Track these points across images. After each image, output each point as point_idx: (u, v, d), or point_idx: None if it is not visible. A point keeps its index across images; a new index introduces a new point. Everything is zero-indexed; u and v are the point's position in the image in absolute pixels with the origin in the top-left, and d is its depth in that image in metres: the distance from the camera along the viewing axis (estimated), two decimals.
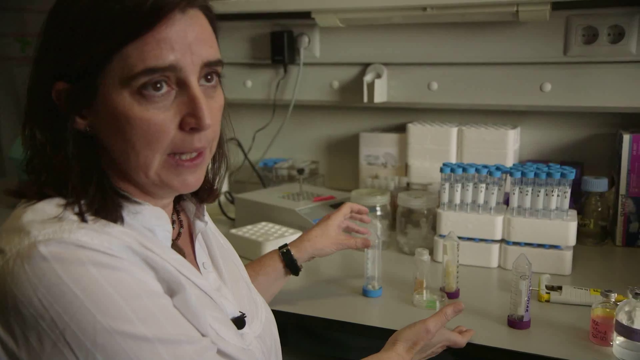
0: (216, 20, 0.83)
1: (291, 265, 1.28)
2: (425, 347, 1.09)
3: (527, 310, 1.20)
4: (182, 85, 0.77)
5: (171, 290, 0.77)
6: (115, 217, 0.78)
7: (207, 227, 0.99)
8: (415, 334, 1.08)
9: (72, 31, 0.75)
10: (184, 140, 0.78)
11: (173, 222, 0.92)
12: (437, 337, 1.10)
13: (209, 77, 0.81)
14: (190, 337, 0.75)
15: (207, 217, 0.99)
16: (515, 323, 1.21)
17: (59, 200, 0.76)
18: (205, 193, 0.96)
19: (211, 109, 0.80)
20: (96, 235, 0.72)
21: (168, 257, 0.80)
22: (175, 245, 0.88)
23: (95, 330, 0.68)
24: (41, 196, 0.77)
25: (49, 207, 0.75)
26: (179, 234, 0.93)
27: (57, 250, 0.69)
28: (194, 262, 0.93)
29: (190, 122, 0.77)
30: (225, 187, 2.10)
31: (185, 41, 0.76)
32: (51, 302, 0.68)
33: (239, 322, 0.89)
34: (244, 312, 0.91)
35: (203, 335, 0.79)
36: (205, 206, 0.96)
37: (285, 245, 1.30)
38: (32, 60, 0.80)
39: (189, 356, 0.73)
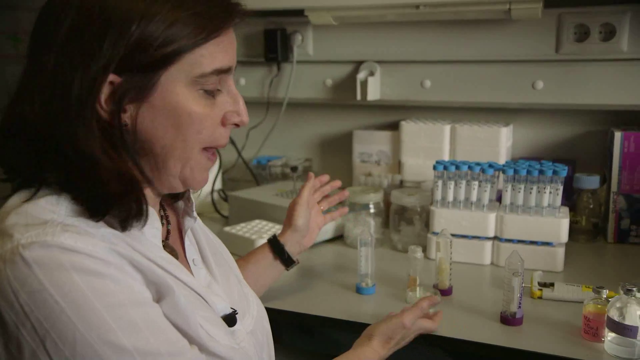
0: None
1: (279, 252, 1.29)
2: (400, 340, 1.12)
3: (519, 307, 1.20)
4: (224, 84, 0.83)
5: (160, 294, 0.76)
6: (102, 216, 0.76)
7: (197, 224, 0.99)
8: (391, 329, 1.11)
9: (146, 24, 0.74)
10: (222, 135, 0.84)
11: (161, 219, 0.92)
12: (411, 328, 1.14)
13: None
14: (173, 349, 0.74)
15: (196, 214, 0.98)
16: (508, 320, 1.21)
17: (46, 201, 0.75)
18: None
19: None
20: (80, 238, 0.71)
21: (156, 257, 0.79)
22: (167, 246, 0.88)
23: (75, 339, 0.67)
24: (40, 181, 0.77)
25: (35, 209, 0.74)
26: (168, 232, 0.92)
27: (39, 255, 0.68)
28: (184, 259, 0.92)
29: (234, 118, 0.84)
30: (218, 185, 2.10)
31: (235, 46, 0.83)
32: (32, 309, 0.67)
33: (230, 319, 0.88)
34: (235, 309, 0.91)
35: (193, 337, 0.78)
36: (194, 202, 0.96)
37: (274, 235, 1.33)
38: (63, 51, 0.75)
39: None
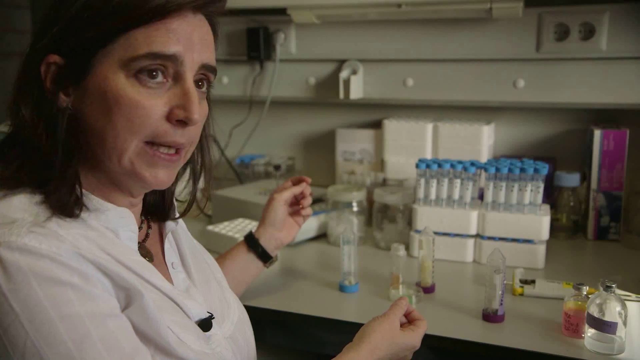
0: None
1: (254, 246, 1.27)
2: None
3: (501, 304, 1.21)
4: (177, 79, 0.79)
5: (128, 298, 0.75)
6: (74, 213, 0.76)
7: (179, 228, 0.98)
8: (394, 348, 1.00)
9: (83, 5, 0.75)
10: (167, 131, 0.79)
11: (142, 222, 0.91)
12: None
13: (200, 82, 0.84)
14: None
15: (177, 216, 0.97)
16: (490, 317, 1.22)
17: (19, 200, 0.75)
18: (170, 210, 0.96)
19: (200, 109, 0.81)
20: (45, 240, 0.69)
21: (127, 260, 0.78)
22: (142, 248, 0.87)
23: (25, 347, 0.67)
24: (15, 182, 0.76)
25: (6, 207, 0.74)
26: (147, 235, 0.91)
27: (1, 256, 0.67)
28: (163, 262, 0.91)
29: (179, 113, 0.78)
30: (201, 184, 2.09)
31: (191, 38, 0.79)
32: None
33: (205, 324, 0.87)
34: (212, 313, 0.90)
35: (161, 342, 0.77)
36: (176, 205, 0.95)
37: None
38: (32, 34, 0.79)
39: None
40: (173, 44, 0.77)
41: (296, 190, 1.33)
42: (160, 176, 0.81)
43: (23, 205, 0.74)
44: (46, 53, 0.76)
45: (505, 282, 1.22)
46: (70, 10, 0.75)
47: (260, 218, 1.32)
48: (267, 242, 1.29)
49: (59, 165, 0.76)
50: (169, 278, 0.89)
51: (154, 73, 0.77)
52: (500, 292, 1.21)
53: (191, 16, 0.79)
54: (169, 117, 0.78)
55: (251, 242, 1.28)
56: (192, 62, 0.79)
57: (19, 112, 0.77)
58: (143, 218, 0.92)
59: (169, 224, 0.94)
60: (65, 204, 0.75)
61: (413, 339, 1.03)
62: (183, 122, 0.79)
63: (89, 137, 0.78)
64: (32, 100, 0.77)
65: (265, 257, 1.28)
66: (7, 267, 0.67)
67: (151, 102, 0.77)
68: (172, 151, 0.81)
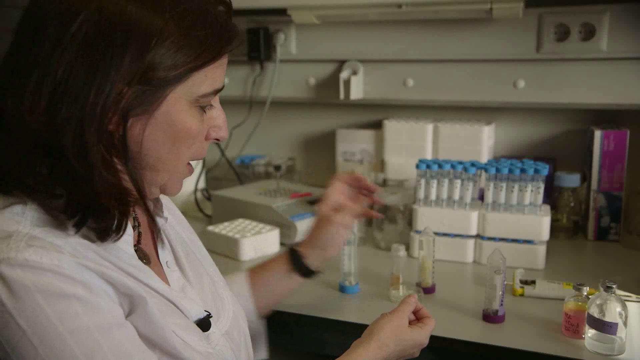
0: None
1: (298, 266, 1.19)
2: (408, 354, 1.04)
3: (501, 305, 1.21)
4: (214, 99, 0.85)
5: (132, 305, 0.76)
6: (81, 227, 0.74)
7: (168, 222, 0.98)
8: (401, 343, 1.01)
9: (162, 42, 0.74)
10: (204, 148, 0.86)
11: (133, 221, 0.90)
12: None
13: None
14: None
15: (166, 213, 0.97)
16: (490, 317, 1.22)
17: (10, 211, 0.73)
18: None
19: None
20: (45, 253, 0.69)
21: (127, 267, 0.78)
22: (139, 251, 0.87)
23: None
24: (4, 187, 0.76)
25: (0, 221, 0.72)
26: (139, 235, 0.91)
27: (3, 274, 0.67)
28: (157, 262, 0.91)
29: (217, 132, 0.86)
30: (202, 184, 2.09)
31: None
32: None
33: (204, 324, 0.88)
34: (209, 311, 0.90)
35: (167, 347, 0.77)
36: (162, 202, 0.95)
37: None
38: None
39: None
40: (223, 76, 0.84)
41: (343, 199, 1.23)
42: (181, 186, 0.89)
43: (15, 217, 0.73)
44: (111, 84, 0.72)
45: (505, 282, 1.22)
46: (151, 48, 0.73)
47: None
48: (312, 261, 1.21)
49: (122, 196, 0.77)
50: (164, 278, 0.89)
51: None
52: (500, 292, 1.21)
53: None
54: (207, 136, 0.86)
55: (295, 260, 1.20)
56: None
57: (77, 140, 0.72)
58: (134, 215, 0.92)
59: (159, 221, 0.93)
60: (108, 231, 0.76)
61: (421, 336, 1.03)
62: (215, 140, 0.87)
63: (147, 161, 0.80)
64: (96, 132, 0.72)
65: (308, 274, 1.22)
66: (11, 285, 0.67)
67: (203, 127, 0.84)
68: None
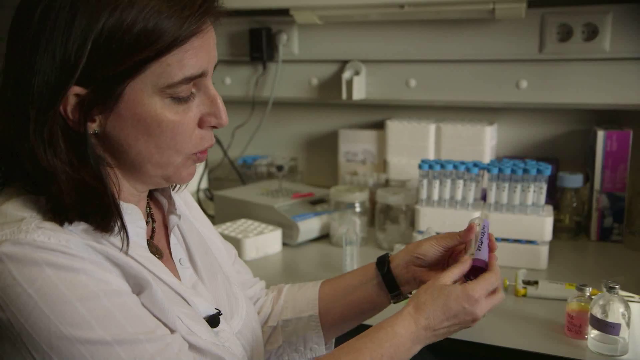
0: None
1: (382, 269, 1.05)
2: (453, 324, 0.90)
3: (479, 249, 0.99)
4: (200, 86, 0.80)
5: (139, 287, 0.77)
6: (68, 223, 0.75)
7: (185, 220, 0.98)
8: (444, 307, 0.88)
9: (107, 37, 0.72)
10: (202, 138, 0.82)
11: (147, 216, 0.91)
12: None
13: None
14: (152, 335, 0.74)
15: (183, 209, 0.98)
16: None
17: (24, 200, 0.75)
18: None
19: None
20: (53, 234, 0.71)
21: (135, 255, 0.79)
22: (151, 245, 0.87)
23: (50, 332, 0.68)
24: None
25: (12, 207, 0.74)
26: (153, 230, 0.91)
27: (12, 251, 0.69)
28: (170, 258, 0.91)
29: (211, 121, 0.82)
30: (204, 184, 2.10)
31: (211, 47, 0.80)
32: (7, 303, 0.68)
33: (213, 320, 0.88)
34: (219, 309, 0.90)
35: (172, 330, 0.78)
36: (175, 200, 0.95)
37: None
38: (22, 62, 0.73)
39: (149, 355, 0.72)
40: (201, 62, 0.78)
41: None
42: (193, 172, 0.86)
43: (29, 205, 0.75)
44: (69, 85, 0.72)
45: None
46: (88, 41, 0.71)
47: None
48: (398, 269, 1.05)
49: (101, 191, 0.76)
50: (176, 274, 0.89)
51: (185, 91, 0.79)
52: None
53: (209, 24, 0.79)
54: (200, 124, 0.81)
55: (381, 266, 1.07)
56: (211, 69, 0.82)
57: (38, 152, 0.73)
58: (149, 211, 0.92)
59: (173, 218, 0.93)
60: (108, 226, 0.76)
61: (470, 290, 0.86)
62: (214, 127, 0.83)
63: (127, 155, 0.79)
64: (57, 137, 0.73)
65: (391, 285, 1.05)
66: (21, 259, 0.69)
67: (187, 117, 0.79)
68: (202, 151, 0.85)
